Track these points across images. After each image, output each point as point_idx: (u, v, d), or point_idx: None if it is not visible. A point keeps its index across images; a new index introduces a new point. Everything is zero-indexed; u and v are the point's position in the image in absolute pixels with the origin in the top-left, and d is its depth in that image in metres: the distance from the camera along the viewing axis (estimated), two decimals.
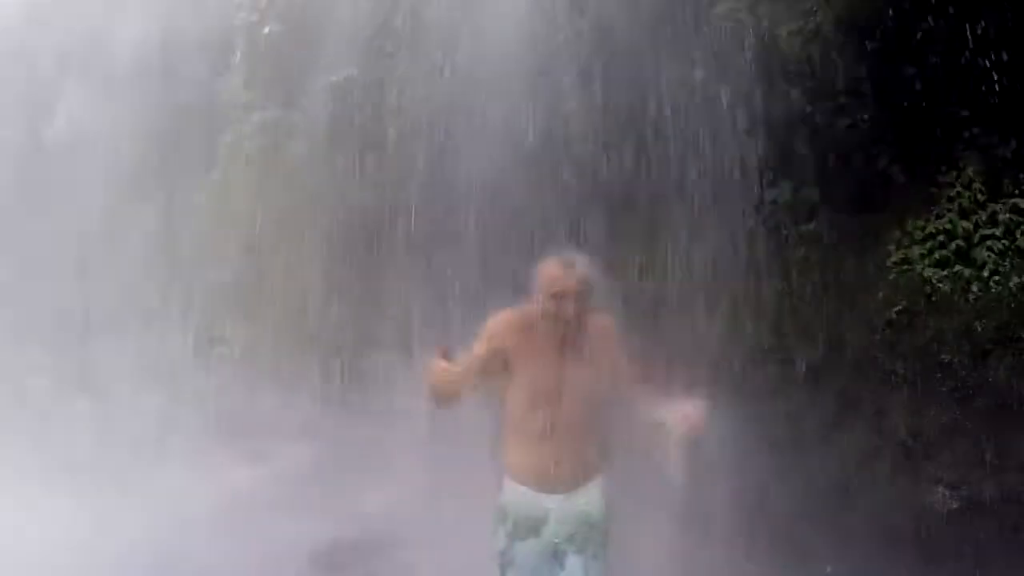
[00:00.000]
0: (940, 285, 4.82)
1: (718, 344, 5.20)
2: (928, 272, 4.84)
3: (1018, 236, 4.64)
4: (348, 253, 6.59)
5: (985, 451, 4.67)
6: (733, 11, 5.02)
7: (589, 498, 3.38)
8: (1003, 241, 4.68)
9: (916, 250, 4.90)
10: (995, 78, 4.55)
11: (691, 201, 5.23)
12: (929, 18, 4.67)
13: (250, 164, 6.70)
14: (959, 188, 4.81)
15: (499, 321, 3.34)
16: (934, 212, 4.87)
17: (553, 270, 3.27)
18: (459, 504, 5.45)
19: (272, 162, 6.68)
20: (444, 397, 3.42)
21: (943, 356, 4.80)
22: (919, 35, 4.71)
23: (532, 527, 3.34)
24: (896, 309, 4.91)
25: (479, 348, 3.33)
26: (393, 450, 6.09)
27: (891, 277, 4.95)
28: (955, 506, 4.73)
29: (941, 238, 4.84)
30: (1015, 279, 4.61)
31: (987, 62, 4.54)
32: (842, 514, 4.92)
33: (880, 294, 4.97)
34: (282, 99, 6.60)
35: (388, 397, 6.39)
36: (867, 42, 4.82)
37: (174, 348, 6.78)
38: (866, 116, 4.90)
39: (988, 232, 4.72)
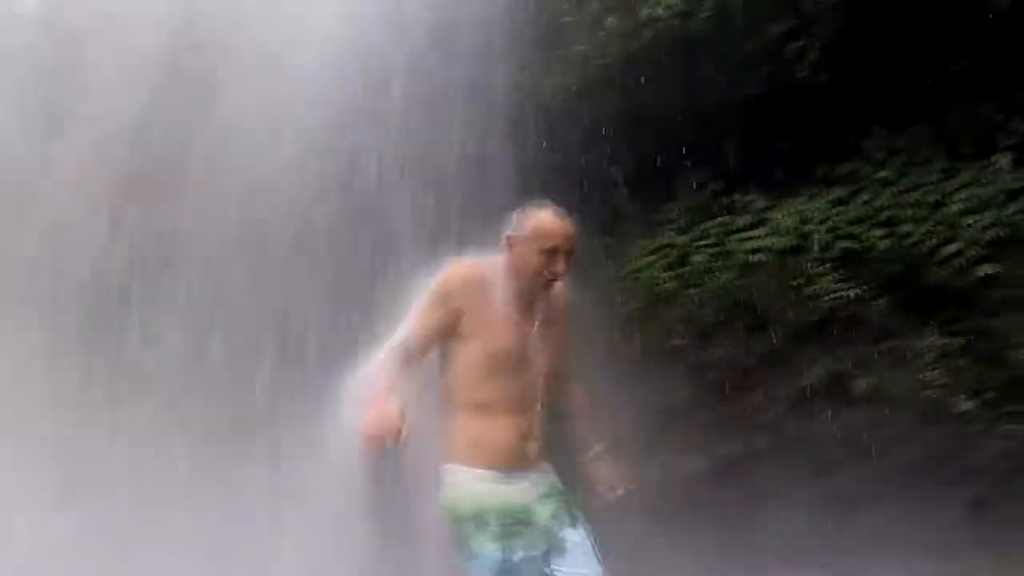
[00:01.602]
0: (666, 285, 5.82)
1: None
2: (656, 274, 5.85)
3: (726, 243, 5.80)
4: (98, 314, 6.40)
5: (723, 417, 5.47)
6: (515, 77, 6.18)
7: (549, 470, 3.05)
8: (715, 248, 5.81)
9: (645, 260, 5.94)
10: (710, 130, 5.93)
11: (470, 240, 5.99)
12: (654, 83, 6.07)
13: None
14: (677, 212, 6.02)
15: (454, 277, 2.90)
16: (658, 232, 6.00)
17: (548, 220, 2.93)
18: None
19: (16, 205, 6.37)
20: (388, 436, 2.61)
21: (675, 341, 5.69)
22: (647, 96, 6.07)
23: (520, 517, 2.85)
24: (633, 307, 5.83)
25: (431, 312, 2.87)
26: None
27: (627, 284, 5.92)
28: (705, 468, 5.39)
29: (664, 250, 5.93)
30: (725, 275, 5.70)
31: (703, 118, 5.94)
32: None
33: (619, 298, 5.88)
34: (44, 130, 6.41)
35: (135, 469, 6.06)
36: (604, 102, 6.12)
37: None
38: (605, 161, 6.06)
39: (702, 243, 5.87)
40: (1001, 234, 5.34)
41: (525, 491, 2.90)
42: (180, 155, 6.27)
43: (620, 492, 3.13)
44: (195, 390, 6.07)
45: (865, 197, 5.62)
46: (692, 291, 5.74)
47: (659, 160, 5.99)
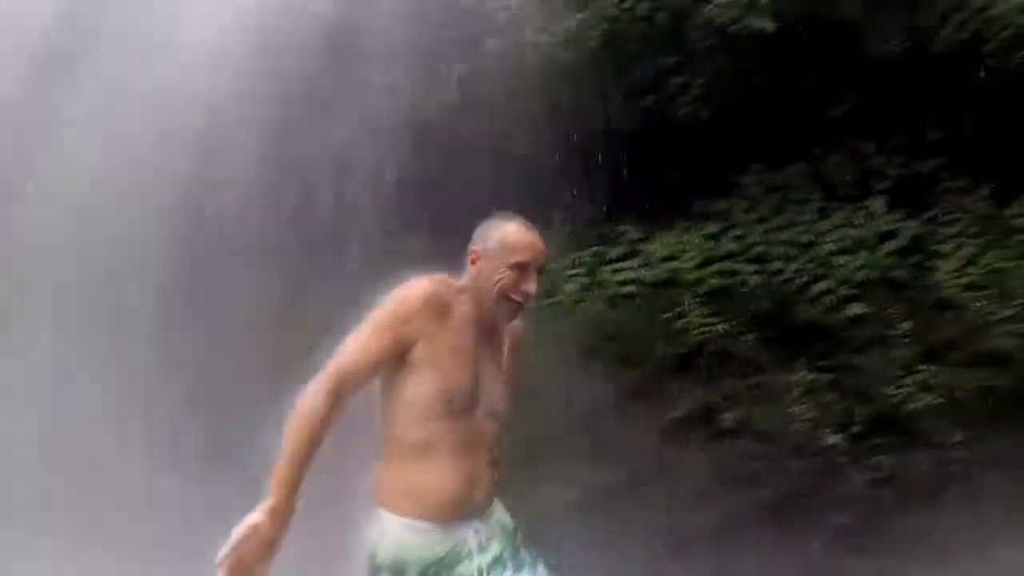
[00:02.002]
0: (537, 313, 5.65)
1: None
2: None
3: (598, 273, 5.68)
4: None
5: (594, 448, 5.33)
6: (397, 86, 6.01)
7: (498, 509, 2.68)
8: (587, 278, 5.69)
9: None
10: (589, 157, 5.86)
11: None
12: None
13: None
14: (551, 240, 5.84)
15: (417, 297, 2.45)
16: None
17: (519, 232, 2.55)
18: None
19: None
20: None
21: (543, 370, 5.50)
22: (525, 120, 5.95)
23: (447, 572, 2.50)
24: None
25: (384, 335, 2.43)
26: None
27: None
28: (575, 498, 5.22)
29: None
30: (596, 306, 5.59)
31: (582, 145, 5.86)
32: None
33: None
34: None
35: None
36: (482, 122, 5.97)
37: None
38: (481, 181, 5.87)
39: (574, 272, 5.74)
40: (871, 275, 5.42)
41: (465, 542, 2.50)
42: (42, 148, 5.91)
43: None
44: None
45: (738, 233, 5.61)
46: (563, 320, 5.59)
47: (535, 184, 5.86)
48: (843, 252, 5.49)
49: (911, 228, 5.55)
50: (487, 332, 2.55)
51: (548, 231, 5.74)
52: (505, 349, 2.64)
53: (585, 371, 5.50)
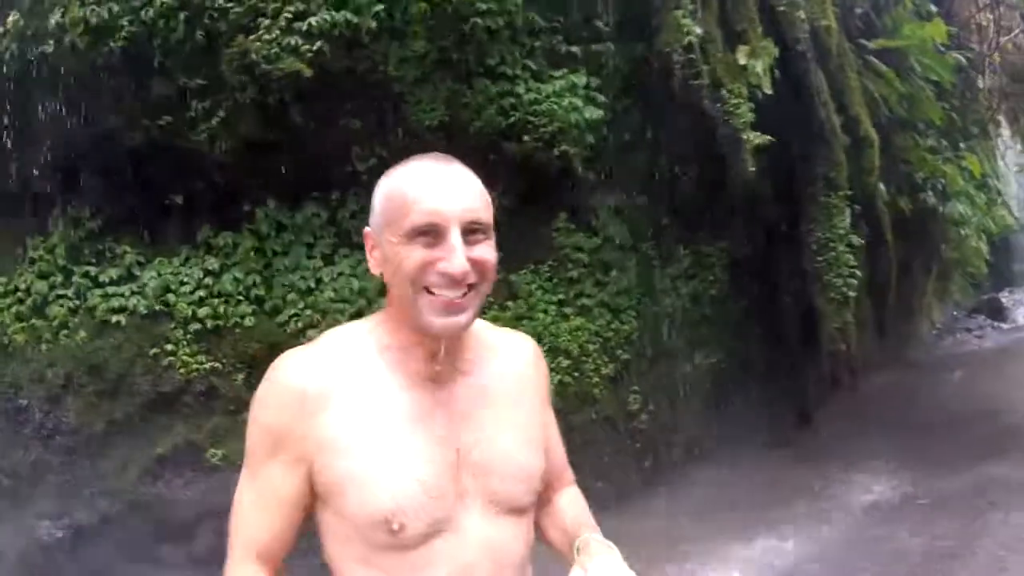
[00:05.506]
0: (16, 336, 5.57)
1: None
2: (7, 322, 5.58)
3: (89, 297, 5.64)
4: None
5: (75, 482, 5.45)
6: None
7: None
8: (76, 301, 5.65)
9: None
10: (98, 161, 5.78)
11: None
12: None
13: None
14: (43, 252, 5.76)
15: (272, 407, 1.61)
16: (16, 271, 5.72)
17: (412, 176, 1.61)
18: None
19: None
20: None
21: (21, 401, 5.52)
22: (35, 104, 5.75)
23: None
24: None
25: (259, 478, 1.60)
26: None
27: None
28: (61, 535, 5.37)
29: (20, 295, 5.65)
30: (82, 333, 5.58)
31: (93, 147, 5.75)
32: None
33: None
34: None
35: None
36: None
37: None
38: None
39: (63, 292, 5.67)
40: None
41: None
42: None
43: None
44: None
45: (238, 274, 5.79)
46: (44, 347, 5.56)
47: (34, 179, 5.74)
48: (343, 301, 5.91)
49: None
50: (452, 371, 1.64)
51: (43, 239, 5.71)
52: (514, 387, 1.71)
53: (64, 404, 5.52)
